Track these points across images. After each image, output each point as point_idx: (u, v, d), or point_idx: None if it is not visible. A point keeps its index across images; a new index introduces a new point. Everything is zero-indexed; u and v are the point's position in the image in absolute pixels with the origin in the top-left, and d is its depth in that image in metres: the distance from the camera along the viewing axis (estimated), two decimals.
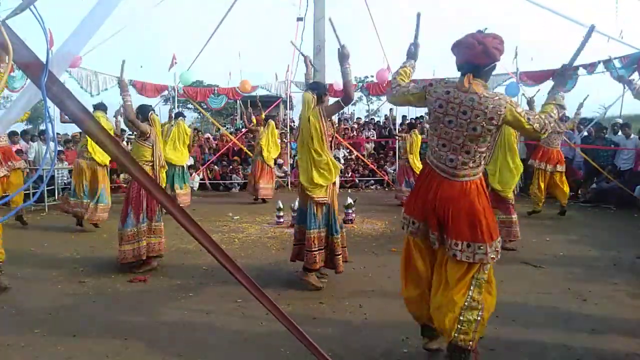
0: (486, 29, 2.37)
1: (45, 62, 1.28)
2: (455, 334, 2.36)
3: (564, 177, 7.50)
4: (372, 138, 13.98)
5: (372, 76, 19.31)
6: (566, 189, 7.49)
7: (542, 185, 7.37)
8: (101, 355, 2.82)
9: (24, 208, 7.09)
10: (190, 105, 22.82)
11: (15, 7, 1.26)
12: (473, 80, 2.28)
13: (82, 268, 4.73)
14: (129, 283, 4.23)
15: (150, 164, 4.63)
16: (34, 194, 8.54)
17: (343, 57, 3.70)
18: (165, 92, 12.14)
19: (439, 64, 11.29)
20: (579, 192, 9.59)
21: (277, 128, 13.27)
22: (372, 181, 12.57)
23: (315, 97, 3.95)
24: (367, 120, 16.07)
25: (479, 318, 2.39)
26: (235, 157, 12.79)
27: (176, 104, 12.61)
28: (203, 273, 4.55)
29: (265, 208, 8.60)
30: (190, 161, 12.15)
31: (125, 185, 10.59)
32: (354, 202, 7.27)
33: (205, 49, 11.46)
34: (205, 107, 13.84)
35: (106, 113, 6.95)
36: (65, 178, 10.27)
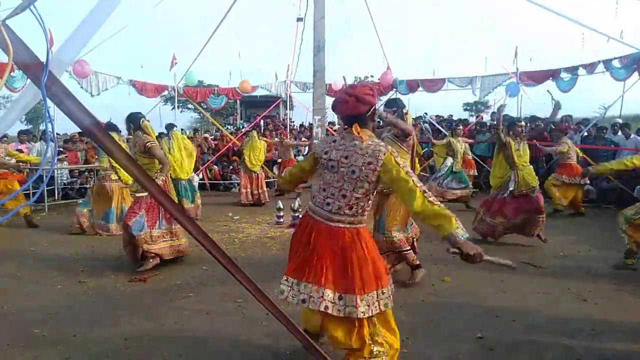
0: (368, 76, 2.52)
1: (45, 62, 1.28)
2: None
3: (578, 193, 7.87)
4: None
5: (372, 76, 19.30)
6: (578, 202, 7.88)
7: (559, 190, 7.81)
8: (101, 356, 2.82)
9: (24, 210, 7.07)
10: (190, 105, 22.83)
11: (15, 7, 1.26)
12: (360, 129, 2.36)
13: (82, 268, 4.73)
14: (129, 283, 4.23)
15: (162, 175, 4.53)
16: (33, 194, 8.54)
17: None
18: (165, 92, 12.13)
19: (438, 65, 11.30)
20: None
21: (277, 129, 13.33)
22: None
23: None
24: None
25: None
26: (235, 157, 12.79)
27: (176, 104, 12.61)
28: (203, 273, 4.55)
29: (265, 208, 8.61)
30: None
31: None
32: None
33: (205, 49, 11.44)
34: (205, 107, 13.84)
35: (119, 134, 6.50)
36: (65, 178, 10.27)
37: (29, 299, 3.85)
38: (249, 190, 9.50)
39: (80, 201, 7.01)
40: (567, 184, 7.78)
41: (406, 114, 4.21)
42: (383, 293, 2.33)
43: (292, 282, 2.35)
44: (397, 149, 4.16)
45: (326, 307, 2.23)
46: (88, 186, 10.26)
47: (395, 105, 4.11)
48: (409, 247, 4.17)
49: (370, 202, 2.39)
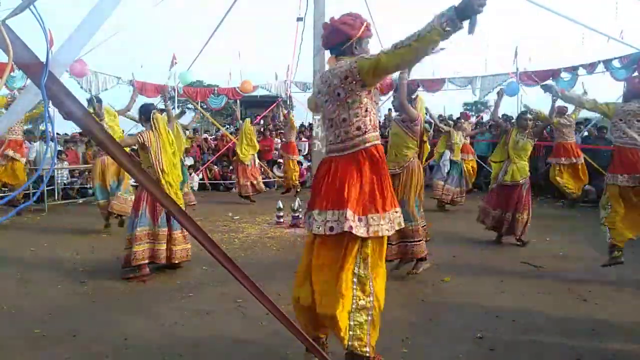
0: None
1: (45, 62, 1.28)
2: (349, 342, 2.27)
3: (582, 169, 7.90)
4: None
5: None
6: (582, 180, 7.89)
7: (562, 177, 7.85)
8: (101, 356, 2.82)
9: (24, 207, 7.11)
10: (190, 105, 22.81)
11: (15, 7, 1.26)
12: (337, 59, 2.38)
13: (82, 268, 4.73)
14: (129, 283, 4.23)
15: (148, 168, 4.39)
16: (34, 194, 8.54)
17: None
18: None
19: (438, 65, 11.28)
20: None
21: (277, 129, 13.33)
22: None
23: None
24: None
25: (369, 318, 2.28)
26: (235, 157, 12.80)
27: (176, 104, 12.60)
28: (203, 273, 4.55)
29: (265, 208, 8.60)
30: (190, 161, 12.15)
31: None
32: None
33: (205, 49, 11.45)
34: (205, 107, 13.84)
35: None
36: (65, 178, 10.27)
37: (29, 299, 3.85)
38: (245, 182, 9.56)
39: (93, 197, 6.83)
40: (567, 166, 7.78)
41: (415, 98, 4.19)
42: (396, 212, 2.35)
43: (315, 212, 2.33)
44: (402, 134, 4.17)
45: (350, 227, 2.20)
46: (88, 186, 10.31)
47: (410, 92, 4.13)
48: (421, 238, 4.19)
49: (375, 115, 2.38)
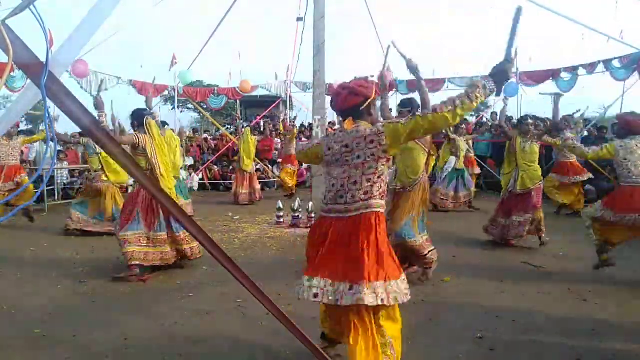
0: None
1: (45, 62, 1.28)
2: None
3: (580, 189, 7.81)
4: None
5: (373, 76, 19.31)
6: (579, 198, 7.79)
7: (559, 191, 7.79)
8: (101, 356, 2.82)
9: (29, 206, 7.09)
10: (190, 105, 22.82)
11: (15, 7, 1.26)
12: (354, 122, 2.38)
13: (82, 268, 4.73)
14: (129, 283, 4.23)
15: (147, 172, 4.34)
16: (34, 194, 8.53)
17: (411, 69, 3.75)
18: (165, 92, 12.13)
19: (438, 64, 11.27)
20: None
21: (277, 129, 13.34)
22: None
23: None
24: None
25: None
26: (235, 157, 12.81)
27: (176, 104, 12.61)
28: (203, 273, 4.55)
29: (265, 208, 8.61)
30: (190, 161, 12.16)
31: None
32: None
33: (205, 49, 11.45)
34: (205, 107, 13.85)
35: None
36: (65, 178, 10.28)
37: (29, 299, 3.85)
38: (245, 191, 9.48)
39: (74, 202, 6.80)
40: (568, 185, 7.73)
41: None
42: (391, 286, 2.23)
43: (326, 282, 2.27)
44: (412, 144, 4.14)
45: (359, 299, 2.13)
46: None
47: (410, 105, 4.09)
48: (427, 251, 4.18)
49: (384, 184, 2.35)
